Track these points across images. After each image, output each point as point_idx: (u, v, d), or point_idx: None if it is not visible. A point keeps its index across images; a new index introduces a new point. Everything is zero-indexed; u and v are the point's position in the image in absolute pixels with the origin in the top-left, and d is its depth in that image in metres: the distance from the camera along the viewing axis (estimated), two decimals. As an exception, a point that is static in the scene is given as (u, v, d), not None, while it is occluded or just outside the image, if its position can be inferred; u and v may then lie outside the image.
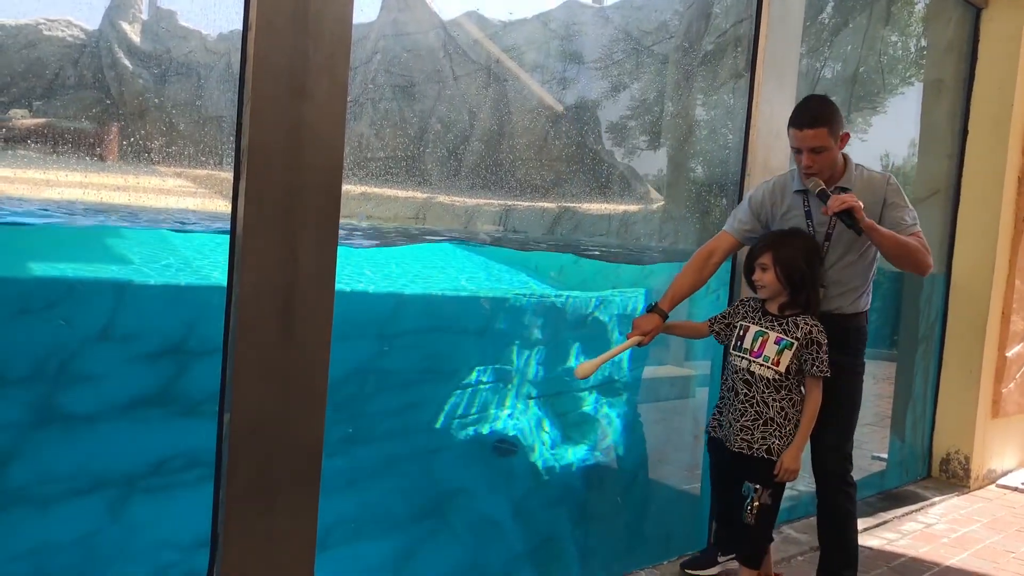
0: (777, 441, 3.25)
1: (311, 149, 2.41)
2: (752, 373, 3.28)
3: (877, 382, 6.31)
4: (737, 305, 3.46)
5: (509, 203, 4.52)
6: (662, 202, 4.94)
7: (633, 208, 4.90)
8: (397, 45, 3.85)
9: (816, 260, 3.25)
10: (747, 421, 3.27)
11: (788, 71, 4.25)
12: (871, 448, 6.04)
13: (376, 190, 3.85)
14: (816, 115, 3.24)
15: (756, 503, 3.22)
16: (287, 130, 2.35)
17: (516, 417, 4.17)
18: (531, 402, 4.23)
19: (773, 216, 3.48)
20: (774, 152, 4.17)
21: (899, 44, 6.48)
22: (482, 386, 4.09)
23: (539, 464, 4.16)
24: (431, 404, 3.91)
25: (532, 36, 4.52)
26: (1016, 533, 4.94)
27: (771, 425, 3.25)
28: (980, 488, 5.93)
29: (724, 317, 3.48)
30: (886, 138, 6.16)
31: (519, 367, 4.23)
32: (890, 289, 6.13)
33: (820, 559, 3.57)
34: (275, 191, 2.34)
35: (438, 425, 3.93)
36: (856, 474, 5.71)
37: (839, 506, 3.44)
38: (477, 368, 4.07)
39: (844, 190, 3.31)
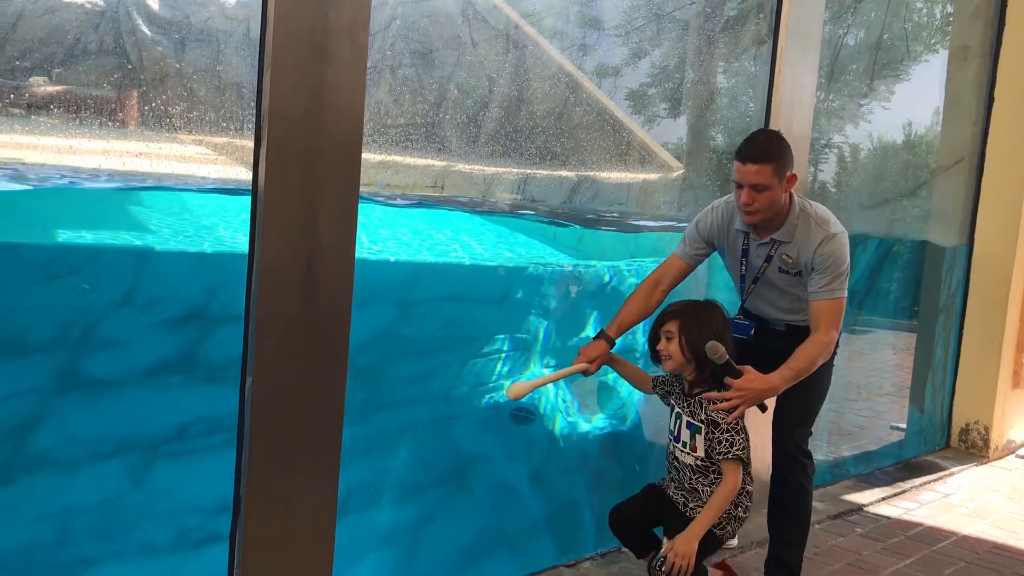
0: None
1: (332, 113, 2.40)
2: (676, 458, 3.03)
3: (896, 353, 6.28)
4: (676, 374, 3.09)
5: (528, 171, 4.50)
6: (682, 171, 4.90)
7: (652, 177, 4.86)
8: (416, 10, 3.81)
9: (728, 337, 2.94)
10: (685, 494, 3.01)
11: (812, 38, 4.19)
12: (890, 418, 6.03)
13: (394, 158, 3.83)
14: (763, 150, 2.96)
15: (666, 565, 2.81)
16: (308, 94, 2.35)
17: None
18: (549, 371, 4.24)
19: (721, 245, 3.28)
20: (796, 120, 4.12)
21: (924, 10, 6.38)
22: (500, 354, 4.10)
23: (556, 432, 4.17)
24: (449, 372, 3.93)
25: (551, 1, 4.46)
26: (1035, 504, 4.94)
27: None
28: (999, 458, 5.91)
29: (665, 383, 3.17)
30: (909, 106, 6.08)
31: (537, 336, 4.24)
32: (911, 260, 6.08)
33: (771, 533, 3.34)
34: (296, 156, 2.34)
35: (456, 393, 3.95)
36: (873, 444, 5.74)
37: (797, 483, 3.21)
38: (495, 337, 4.07)
39: (779, 241, 3.11)
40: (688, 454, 2.96)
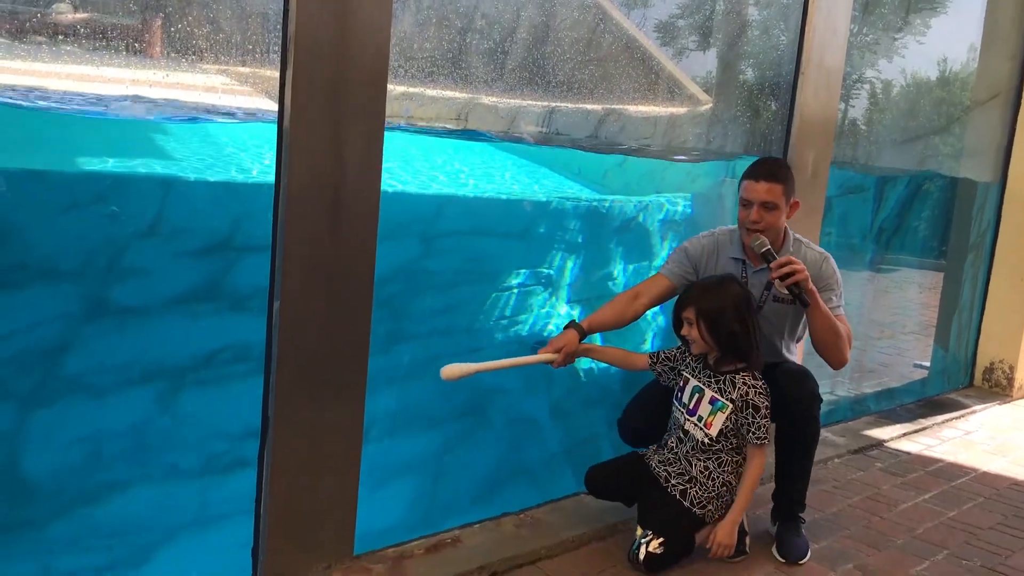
0: (697, 492, 2.95)
1: (358, 38, 2.38)
2: (686, 431, 3.00)
3: (922, 291, 6.24)
4: (687, 349, 3.08)
5: (553, 104, 4.44)
6: (710, 104, 4.82)
7: (680, 110, 4.79)
8: (441, -62, 3.74)
9: (748, 312, 2.94)
10: (671, 468, 3.02)
11: (847, -34, 4.08)
12: (913, 357, 6.02)
13: (417, 90, 3.79)
14: (774, 170, 3.08)
15: (645, 550, 2.87)
16: (334, 20, 2.32)
17: (556, 320, 4.20)
18: (571, 305, 4.25)
19: (706, 275, 3.23)
20: (829, 50, 4.03)
21: (965, -61, 6.17)
22: (522, 289, 4.11)
23: (577, 366, 4.19)
24: (472, 305, 3.94)
25: (580, -71, 4.36)
26: (1057, 444, 4.94)
27: (693, 483, 2.97)
28: (1023, 397, 5.89)
29: (670, 359, 3.16)
30: (945, 41, 5.92)
31: (560, 271, 4.24)
32: (940, 198, 6.00)
33: (782, 467, 3.27)
34: (322, 84, 2.32)
35: (479, 326, 3.97)
36: (896, 381, 5.74)
37: (812, 416, 3.13)
38: (518, 271, 4.07)
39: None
40: (700, 429, 2.96)
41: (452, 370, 2.82)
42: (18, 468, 2.83)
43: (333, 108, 2.35)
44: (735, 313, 2.90)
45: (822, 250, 3.28)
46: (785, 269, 2.93)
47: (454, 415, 3.80)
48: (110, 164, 3.18)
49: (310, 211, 2.36)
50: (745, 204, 3.10)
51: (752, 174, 3.10)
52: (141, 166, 3.26)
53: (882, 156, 5.52)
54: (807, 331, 3.22)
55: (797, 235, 3.28)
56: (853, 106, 5.53)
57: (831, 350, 3.09)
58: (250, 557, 2.53)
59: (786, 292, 3.02)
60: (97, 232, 2.91)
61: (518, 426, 4.04)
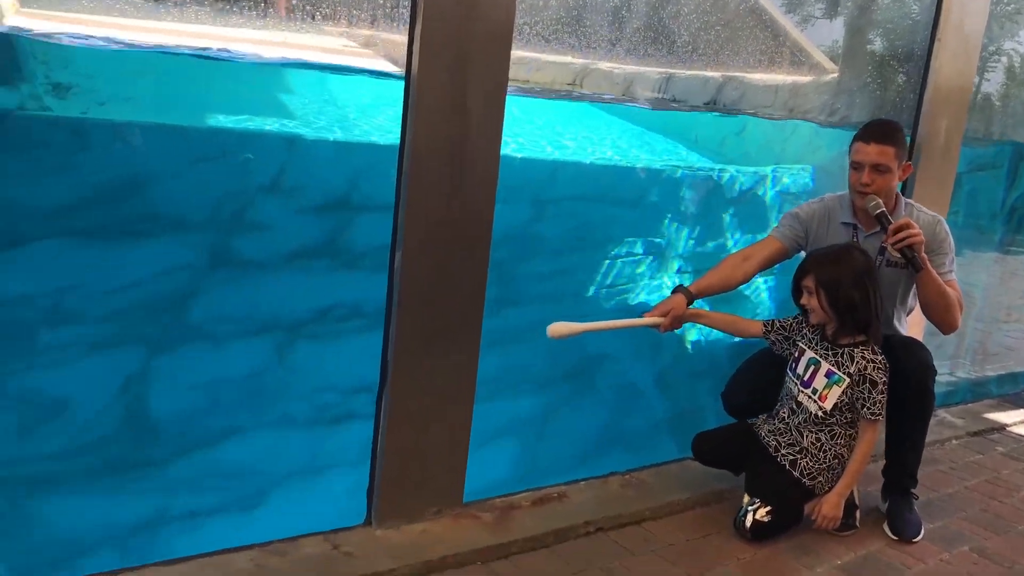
0: (808, 462, 2.91)
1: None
2: (799, 403, 2.95)
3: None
4: (804, 319, 3.03)
5: (670, 70, 4.36)
6: (835, 74, 4.65)
7: (803, 79, 4.64)
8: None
9: (872, 283, 2.86)
10: (781, 438, 2.97)
11: (990, -73, 3.86)
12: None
13: (534, 55, 3.78)
14: (887, 132, 2.99)
15: (752, 518, 2.85)
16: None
17: (665, 290, 4.16)
18: (681, 276, 4.19)
19: (816, 242, 3.16)
20: (970, 13, 3.83)
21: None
22: (632, 257, 4.08)
23: (685, 336, 4.15)
24: (581, 272, 3.94)
25: None
26: None
27: (804, 453, 2.92)
28: None
29: (785, 328, 3.10)
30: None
31: (672, 241, 4.18)
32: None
33: (895, 440, 3.17)
34: (449, 40, 2.34)
35: (587, 293, 3.96)
36: (1021, 365, 5.47)
37: (928, 389, 3.04)
38: (629, 239, 4.04)
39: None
40: (814, 402, 2.90)
41: (559, 328, 2.84)
42: (143, 410, 2.98)
43: (459, 66, 2.37)
44: (856, 283, 2.81)
45: (935, 213, 3.19)
46: (902, 233, 2.84)
47: (560, 379, 3.81)
48: (236, 120, 3.29)
49: (433, 166, 2.40)
50: (856, 167, 3.03)
51: (863, 136, 3.02)
52: (266, 124, 3.35)
53: (1018, 132, 5.25)
54: (917, 301, 3.16)
55: (908, 199, 3.20)
56: (988, 79, 5.27)
57: (941, 314, 3.01)
58: (365, 499, 2.61)
59: (899, 257, 2.95)
60: (223, 186, 3.01)
61: (622, 392, 4.04)
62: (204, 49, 3.06)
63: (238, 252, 3.07)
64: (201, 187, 2.97)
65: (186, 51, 3.02)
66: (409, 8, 2.34)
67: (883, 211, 2.95)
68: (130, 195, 2.86)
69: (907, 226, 2.85)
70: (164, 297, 2.96)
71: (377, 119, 3.65)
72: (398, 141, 2.46)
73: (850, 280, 2.81)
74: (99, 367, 2.89)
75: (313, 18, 3.17)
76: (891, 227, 2.87)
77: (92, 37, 2.93)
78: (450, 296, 2.55)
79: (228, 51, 3.00)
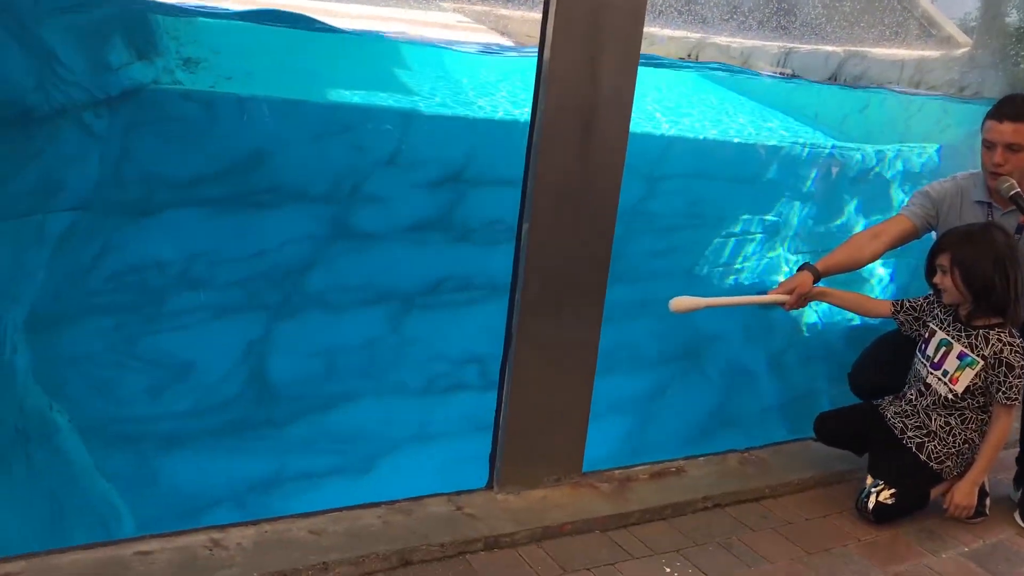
0: (936, 446, 2.79)
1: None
2: (928, 385, 2.83)
3: None
4: (935, 300, 2.91)
5: (790, 45, 4.24)
6: (968, 48, 4.44)
7: (932, 54, 4.45)
8: None
9: (1012, 264, 2.70)
10: (908, 420, 2.85)
11: None
12: None
13: (649, 29, 3.72)
14: (1022, 109, 2.82)
15: (875, 499, 2.76)
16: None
17: (779, 271, 4.08)
18: (797, 256, 4.10)
19: (946, 222, 2.99)
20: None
21: None
22: (746, 236, 4.00)
23: (800, 320, 4.06)
24: (694, 250, 3.89)
25: None
26: None
27: (932, 436, 2.79)
28: None
29: (915, 308, 2.96)
30: None
31: (788, 220, 4.09)
32: None
33: None
34: (583, 11, 2.34)
35: (699, 271, 3.92)
36: None
37: None
38: (743, 217, 3.97)
39: None
40: (944, 384, 2.79)
41: (681, 303, 2.82)
42: (264, 373, 3.11)
43: (592, 38, 2.37)
44: (995, 263, 2.69)
45: None
46: None
47: (672, 357, 3.79)
48: (354, 96, 3.37)
49: (563, 138, 2.41)
50: (989, 146, 2.89)
51: (995, 114, 2.89)
52: (384, 98, 3.42)
53: None
54: None
55: None
56: None
57: None
58: (488, 463, 2.67)
59: None
60: (343, 160, 3.09)
61: (733, 375, 3.98)
62: (324, 25, 3.14)
63: (356, 224, 3.15)
64: (322, 160, 3.05)
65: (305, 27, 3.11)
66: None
67: (1018, 191, 2.82)
68: (255, 167, 2.97)
69: None
70: (286, 266, 3.07)
71: (494, 95, 3.68)
72: (512, 117, 2.48)
73: (989, 260, 2.70)
74: (224, 332, 3.03)
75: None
76: None
77: (216, 7, 3.05)
78: (575, 267, 2.56)
79: (344, 28, 3.06)
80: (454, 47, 3.71)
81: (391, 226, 3.19)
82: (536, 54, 2.34)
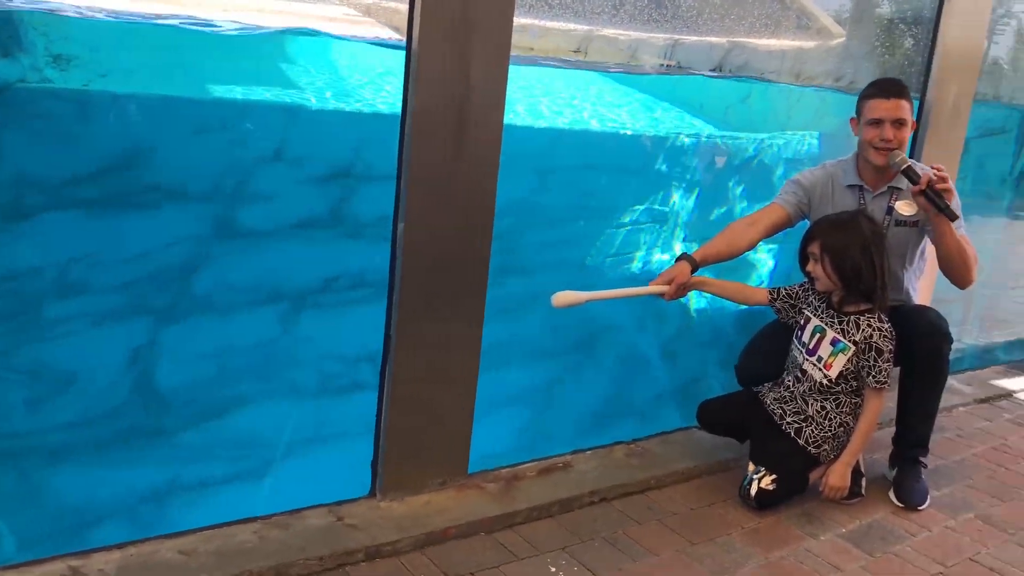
0: (813, 430, 2.90)
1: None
2: (804, 371, 2.94)
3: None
4: (809, 287, 3.03)
5: (675, 37, 4.32)
6: (843, 38, 4.60)
7: (809, 44, 4.59)
8: None
9: (878, 250, 2.83)
10: (787, 406, 2.97)
11: None
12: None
13: (535, 22, 3.74)
14: (900, 87, 3.02)
15: (757, 486, 2.85)
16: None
17: (670, 259, 4.15)
18: (686, 244, 4.18)
19: (819, 208, 3.13)
20: (977, -23, 3.80)
21: None
22: (636, 226, 4.06)
23: (690, 306, 4.14)
24: (586, 241, 3.93)
25: None
26: None
27: (809, 422, 2.92)
28: None
29: (791, 296, 3.08)
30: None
31: (677, 209, 4.16)
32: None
33: (906, 407, 3.16)
34: (450, 5, 2.32)
35: (591, 262, 3.96)
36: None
37: (943, 356, 3.03)
38: (634, 208, 4.03)
39: (897, 189, 3.07)
40: (819, 370, 2.89)
41: (563, 298, 2.83)
42: (152, 380, 3.00)
43: (461, 33, 2.35)
44: (862, 250, 2.80)
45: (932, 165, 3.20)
46: (944, 174, 2.85)
47: (565, 349, 3.82)
48: (237, 92, 3.27)
49: (436, 133, 2.39)
50: (875, 123, 3.01)
51: (878, 93, 3.02)
52: (267, 93, 3.34)
53: (1025, 95, 5.22)
54: (925, 263, 3.22)
55: (913, 160, 3.19)
56: (997, 43, 5.21)
57: (960, 269, 3.00)
58: (369, 470, 2.63)
59: (907, 215, 3.03)
60: (226, 157, 3.01)
61: (628, 362, 4.04)
62: (204, 19, 3.04)
63: (243, 222, 3.07)
64: (205, 158, 2.96)
65: (185, 21, 3.01)
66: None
67: (909, 164, 2.94)
68: (134, 167, 2.85)
69: (941, 171, 2.86)
70: (170, 268, 2.97)
71: (381, 88, 3.63)
72: (400, 111, 2.45)
73: (857, 247, 2.80)
74: (107, 339, 2.91)
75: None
76: (936, 174, 2.86)
77: (90, 8, 2.92)
78: (453, 265, 2.54)
79: (229, 21, 2.98)
80: (341, 40, 3.64)
81: (279, 223, 3.11)
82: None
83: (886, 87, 3.02)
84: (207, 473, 3.03)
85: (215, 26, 3.04)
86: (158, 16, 3.02)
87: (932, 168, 2.88)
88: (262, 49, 3.40)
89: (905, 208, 3.08)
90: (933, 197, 2.84)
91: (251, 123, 3.07)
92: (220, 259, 3.03)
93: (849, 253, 2.80)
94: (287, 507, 2.51)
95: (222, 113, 3.07)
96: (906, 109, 3.00)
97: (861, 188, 3.13)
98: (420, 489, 2.63)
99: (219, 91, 3.24)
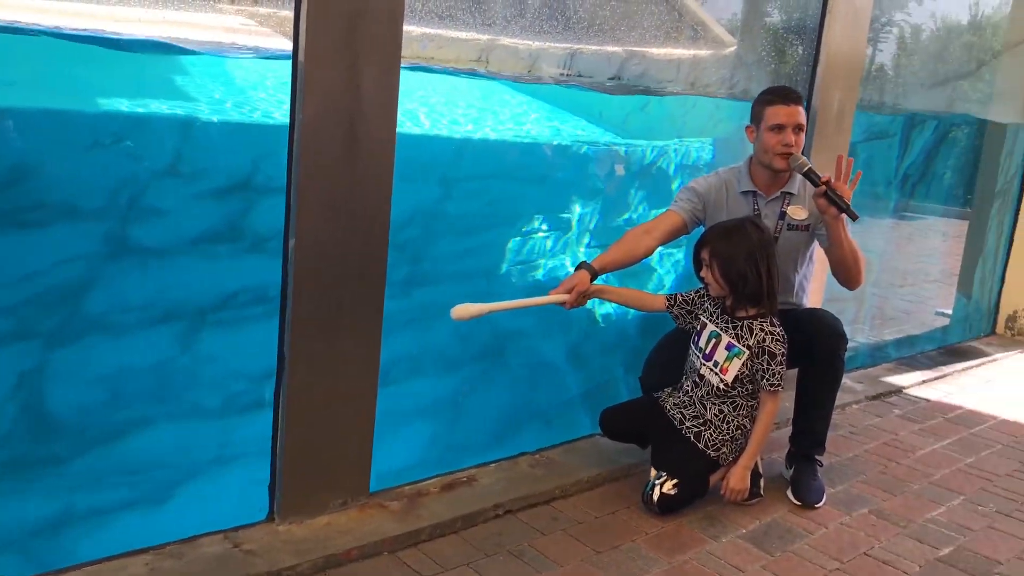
0: (712, 434, 2.95)
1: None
2: (701, 376, 2.99)
3: (946, 239, 6.17)
4: (705, 293, 3.09)
5: (575, 46, 4.37)
6: (735, 47, 4.73)
7: (704, 53, 4.71)
8: None
9: (764, 257, 2.88)
10: (686, 411, 3.01)
11: (878, -97, 3.97)
12: (935, 304, 5.98)
13: (437, 31, 3.74)
14: (798, 94, 3.13)
15: (659, 491, 2.88)
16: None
17: (575, 265, 4.19)
18: (590, 251, 4.23)
19: (715, 214, 3.21)
20: (859, -12, 3.95)
21: None
22: (541, 234, 4.09)
23: (596, 311, 4.19)
24: (491, 250, 3.93)
25: None
26: (1078, 393, 4.91)
27: (708, 425, 2.96)
28: (1045, 347, 5.87)
29: (687, 302, 3.13)
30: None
31: (580, 216, 4.21)
32: (967, 144, 5.89)
33: (803, 408, 3.24)
34: (338, 14, 2.29)
35: (497, 271, 3.96)
36: (917, 329, 5.70)
37: (838, 357, 3.13)
38: (538, 216, 4.05)
39: (789, 194, 3.19)
40: (716, 374, 2.95)
41: (463, 310, 2.81)
42: (43, 406, 2.87)
43: (349, 41, 2.32)
44: (747, 257, 2.86)
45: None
46: (853, 180, 2.98)
47: (472, 358, 3.81)
48: (129, 105, 3.17)
49: (326, 147, 2.35)
50: (777, 128, 3.08)
51: (779, 99, 3.10)
52: (161, 107, 3.25)
53: (909, 101, 5.43)
54: (814, 266, 3.34)
55: None
56: (881, 50, 5.43)
57: (853, 271, 3.13)
58: (267, 494, 2.56)
59: (799, 220, 3.14)
60: (118, 172, 2.91)
61: (535, 369, 4.06)
62: (96, 30, 2.94)
63: (137, 239, 2.97)
64: (95, 174, 2.86)
65: (77, 33, 2.91)
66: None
67: (810, 167, 3.03)
68: (18, 184, 2.74)
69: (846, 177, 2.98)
70: (60, 289, 2.85)
71: (279, 96, 3.56)
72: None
73: (742, 254, 2.87)
74: (-8, 363, 2.78)
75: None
76: (842, 175, 2.97)
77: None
78: (348, 280, 2.49)
79: (120, 33, 2.88)
80: (236, 51, 3.57)
81: (175, 239, 3.03)
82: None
83: (785, 94, 3.11)
84: (102, 502, 2.91)
85: (110, 38, 2.94)
86: (51, 27, 2.91)
87: (837, 166, 2.99)
88: (157, 60, 3.31)
89: (797, 212, 3.19)
90: (834, 197, 2.93)
91: (144, 136, 2.98)
92: (113, 278, 2.93)
93: (735, 260, 2.87)
94: (183, 534, 2.44)
95: (113, 127, 2.97)
96: (803, 115, 3.11)
97: (755, 194, 3.21)
98: (320, 511, 2.57)
99: (109, 104, 3.13)
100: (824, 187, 2.93)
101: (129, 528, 2.83)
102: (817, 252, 3.35)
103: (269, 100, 3.55)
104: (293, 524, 2.50)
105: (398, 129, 2.53)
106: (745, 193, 3.22)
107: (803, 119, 3.10)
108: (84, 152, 2.87)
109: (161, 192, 2.98)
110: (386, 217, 2.54)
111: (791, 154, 3.07)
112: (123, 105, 3.15)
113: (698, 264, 2.99)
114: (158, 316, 3.04)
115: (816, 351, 3.09)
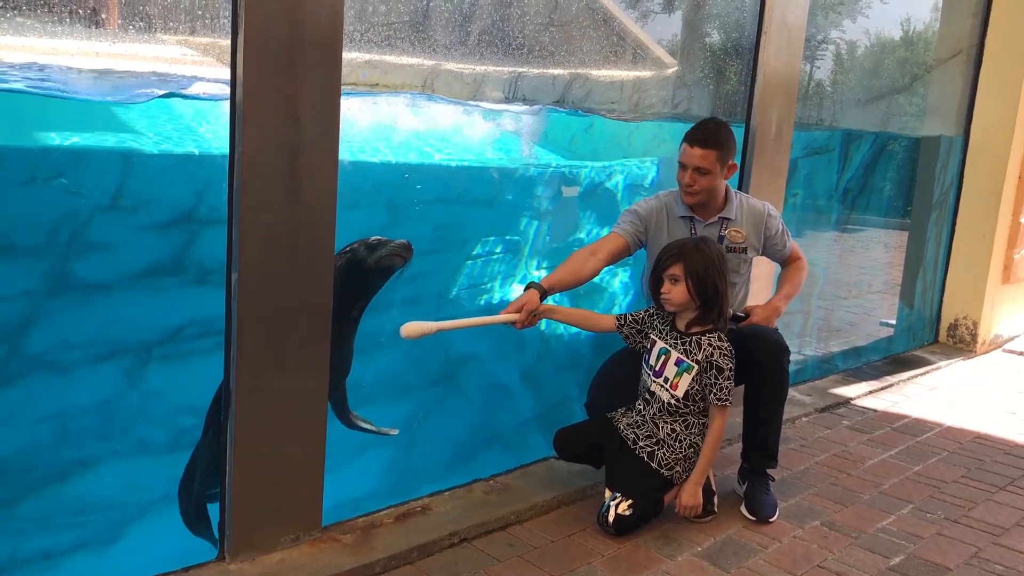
0: (665, 453, 2.97)
1: (311, 1, 2.34)
2: (652, 393, 3.02)
3: (888, 251, 6.30)
4: (654, 312, 3.13)
5: (519, 70, 4.40)
6: (676, 68, 4.80)
7: (646, 74, 4.77)
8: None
9: (724, 272, 2.97)
10: (639, 430, 3.03)
11: (809, -74, 4.07)
12: (879, 315, 6.09)
13: (381, 57, 3.74)
14: (710, 136, 3.16)
15: (614, 512, 2.89)
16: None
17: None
18: (540, 271, 4.25)
19: (656, 237, 3.30)
20: (791, 8, 4.03)
21: None
22: (491, 256, 4.10)
23: (548, 332, 4.21)
24: (441, 273, 3.93)
25: None
26: (1018, 395, 5.03)
27: (661, 444, 2.98)
28: (986, 352, 6.00)
29: (637, 321, 3.16)
30: (908, 1, 5.95)
31: (528, 237, 4.23)
32: (904, 157, 6.04)
33: (752, 422, 3.27)
34: (275, 45, 2.28)
35: (448, 294, 3.96)
36: (863, 340, 5.81)
37: (783, 369, 3.18)
38: (487, 238, 4.07)
39: (726, 219, 3.30)
40: (666, 390, 2.98)
41: (412, 328, 2.79)
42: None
43: (287, 72, 2.31)
44: (719, 271, 2.94)
45: (763, 202, 3.47)
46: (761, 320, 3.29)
47: (426, 383, 3.80)
48: (70, 140, 3.13)
49: (266, 178, 2.33)
50: (681, 167, 3.21)
51: (689, 138, 3.19)
52: (102, 140, 3.20)
53: (847, 116, 5.55)
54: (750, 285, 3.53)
55: (737, 191, 3.43)
56: (818, 67, 5.54)
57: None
58: (215, 532, 2.52)
59: (737, 243, 3.33)
60: (57, 207, 2.86)
61: (490, 392, 4.06)
62: (29, 63, 2.90)
63: (79, 274, 2.93)
64: (32, 209, 2.81)
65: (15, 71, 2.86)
66: (231, 12, 2.27)
67: (733, 313, 3.27)
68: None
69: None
70: (0, 327, 2.80)
71: (221, 126, 3.53)
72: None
73: (715, 269, 2.93)
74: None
75: (149, 28, 3.04)
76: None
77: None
78: (293, 313, 2.47)
79: (58, 65, 2.84)
80: (180, 82, 3.54)
81: (119, 274, 2.99)
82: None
83: (696, 134, 3.18)
84: (50, 544, 2.85)
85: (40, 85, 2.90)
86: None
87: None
88: (95, 91, 3.27)
89: (735, 236, 3.32)
90: (741, 321, 3.27)
91: (85, 171, 2.94)
92: (55, 315, 2.88)
93: (708, 274, 2.92)
94: (131, 576, 2.39)
95: (51, 162, 2.93)
96: (711, 159, 3.14)
97: (692, 219, 3.28)
98: (272, 547, 2.53)
99: (47, 139, 3.09)
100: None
101: (79, 570, 2.77)
102: (755, 271, 3.52)
103: (211, 130, 3.52)
104: (244, 562, 2.45)
105: (341, 157, 2.52)
106: (684, 218, 3.28)
107: (707, 163, 3.15)
108: (20, 188, 2.82)
109: (103, 226, 2.94)
110: (331, 247, 2.53)
111: (694, 192, 3.20)
112: (61, 139, 3.11)
113: (659, 282, 3.00)
114: (103, 352, 2.99)
115: (760, 364, 3.13)
